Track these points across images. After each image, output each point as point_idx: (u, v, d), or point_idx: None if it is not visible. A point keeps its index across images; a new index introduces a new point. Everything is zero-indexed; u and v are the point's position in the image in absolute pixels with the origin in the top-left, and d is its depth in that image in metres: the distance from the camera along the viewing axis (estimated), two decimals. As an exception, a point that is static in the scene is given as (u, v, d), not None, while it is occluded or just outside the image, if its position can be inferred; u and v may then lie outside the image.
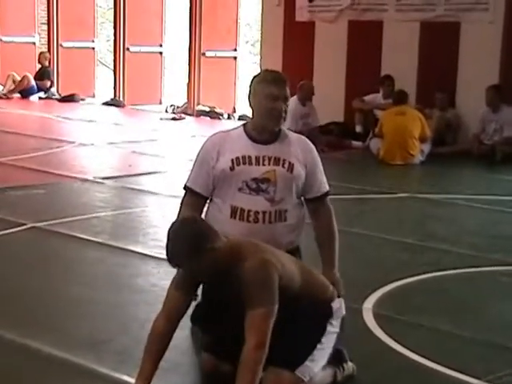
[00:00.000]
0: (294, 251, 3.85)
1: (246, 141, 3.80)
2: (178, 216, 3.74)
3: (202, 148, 3.90)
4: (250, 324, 3.06)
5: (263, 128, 3.79)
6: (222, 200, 3.80)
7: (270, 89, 3.71)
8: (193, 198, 3.85)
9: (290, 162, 3.78)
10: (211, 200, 3.91)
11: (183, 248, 3.12)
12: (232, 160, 3.76)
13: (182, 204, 3.89)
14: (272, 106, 3.71)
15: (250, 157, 3.77)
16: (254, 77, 3.86)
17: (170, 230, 3.20)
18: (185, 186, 3.91)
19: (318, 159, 3.92)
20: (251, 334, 3.04)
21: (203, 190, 3.84)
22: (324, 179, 3.93)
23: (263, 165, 3.76)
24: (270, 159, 3.76)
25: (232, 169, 3.75)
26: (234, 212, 3.77)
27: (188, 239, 3.12)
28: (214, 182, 3.82)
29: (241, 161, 3.76)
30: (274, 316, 3.08)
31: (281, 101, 3.72)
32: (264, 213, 3.75)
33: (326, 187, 3.93)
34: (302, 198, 3.91)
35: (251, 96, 3.80)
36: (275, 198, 3.76)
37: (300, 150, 3.84)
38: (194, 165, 3.91)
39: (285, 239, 3.81)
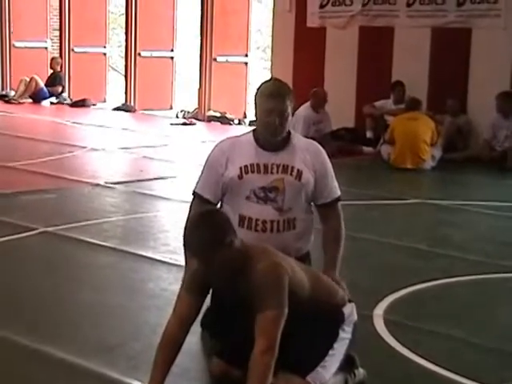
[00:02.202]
0: (304, 257, 3.85)
1: (255, 148, 3.80)
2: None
3: (210, 154, 3.91)
4: (260, 327, 3.05)
5: (264, 138, 3.80)
6: (231, 208, 3.79)
7: (266, 103, 3.72)
8: (201, 205, 3.83)
9: (298, 170, 3.77)
10: (220, 207, 3.91)
11: (204, 236, 3.09)
12: (240, 168, 3.76)
13: (190, 210, 3.88)
14: (266, 120, 3.72)
15: (258, 165, 3.76)
16: (259, 87, 3.86)
17: (191, 217, 3.18)
18: (193, 191, 3.91)
19: (329, 164, 3.91)
20: (260, 337, 3.04)
21: (212, 196, 3.84)
22: (335, 184, 3.91)
23: (271, 173, 3.75)
24: (278, 167, 3.76)
25: (240, 177, 3.75)
26: (242, 221, 3.76)
27: (211, 228, 3.11)
28: (223, 189, 3.82)
29: (249, 169, 3.76)
30: (283, 319, 3.07)
31: (275, 115, 3.70)
32: (272, 222, 3.75)
33: (337, 192, 3.91)
34: (312, 203, 3.91)
35: (254, 107, 3.84)
36: (283, 207, 3.75)
37: (309, 155, 3.83)
38: (202, 171, 3.91)
39: (293, 246, 3.80)
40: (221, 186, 3.81)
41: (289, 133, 3.84)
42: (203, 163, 3.95)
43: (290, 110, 3.78)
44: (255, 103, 3.82)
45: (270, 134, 3.76)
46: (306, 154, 3.82)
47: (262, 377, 3.01)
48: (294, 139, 3.85)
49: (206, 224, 3.13)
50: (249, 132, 3.92)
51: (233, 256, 3.13)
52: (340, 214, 3.91)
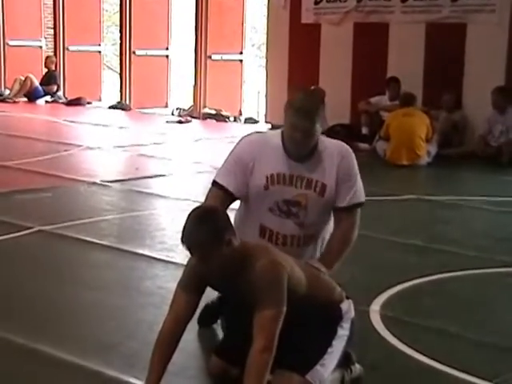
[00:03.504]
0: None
1: (283, 155, 3.69)
2: None
3: (238, 147, 3.78)
4: (258, 326, 3.05)
5: (290, 148, 3.70)
6: (252, 215, 3.71)
7: (293, 117, 3.61)
8: (219, 194, 3.69)
9: (322, 184, 3.68)
10: (241, 208, 3.84)
11: (202, 233, 3.08)
12: (267, 177, 3.67)
13: (206, 199, 3.74)
14: (291, 134, 3.63)
15: (284, 175, 3.67)
16: (289, 98, 3.77)
17: (191, 213, 3.17)
18: (214, 181, 3.76)
19: (355, 168, 3.77)
20: (259, 335, 3.04)
21: (233, 188, 3.70)
22: (358, 189, 3.77)
23: (295, 186, 3.67)
24: (302, 180, 3.68)
25: (266, 188, 3.68)
26: (263, 232, 3.72)
27: (210, 225, 3.09)
28: (248, 191, 3.71)
29: (275, 179, 3.67)
30: (282, 318, 3.07)
31: (299, 131, 3.60)
32: (293, 237, 3.72)
33: (360, 198, 3.78)
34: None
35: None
36: (305, 222, 3.70)
37: (335, 162, 3.71)
38: (226, 161, 3.78)
39: (312, 256, 3.78)
40: (247, 184, 3.70)
41: (316, 141, 3.71)
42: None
43: (317, 127, 3.64)
44: (284, 114, 3.70)
45: (293, 147, 3.66)
46: (332, 159, 3.71)
47: (260, 375, 3.01)
48: (321, 146, 3.72)
49: (205, 222, 3.11)
50: (277, 134, 3.79)
51: (231, 255, 3.12)
52: (356, 221, 3.79)
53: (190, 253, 3.16)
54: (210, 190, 3.77)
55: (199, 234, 3.09)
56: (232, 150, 3.82)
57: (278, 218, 3.70)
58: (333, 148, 3.78)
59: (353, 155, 3.81)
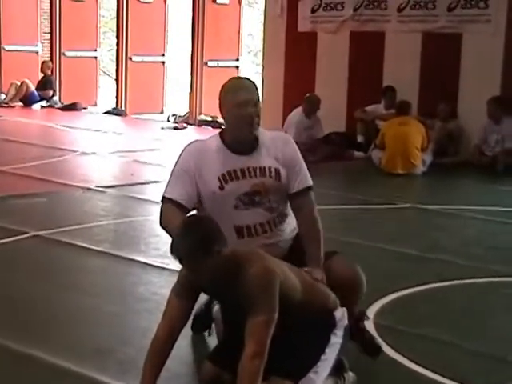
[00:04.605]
0: (297, 238, 3.81)
1: (228, 153, 3.68)
2: (164, 226, 3.61)
3: (180, 160, 3.74)
4: (250, 332, 3.06)
5: (239, 138, 3.67)
6: (221, 221, 3.46)
7: (238, 96, 3.61)
8: (172, 208, 3.63)
9: (275, 169, 3.69)
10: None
11: (189, 242, 3.09)
12: (219, 178, 3.65)
13: (161, 216, 3.66)
14: (242, 112, 3.60)
15: (235, 171, 3.65)
16: (222, 87, 3.73)
17: (179, 225, 3.17)
18: (162, 197, 3.71)
19: (298, 153, 3.79)
20: (250, 342, 3.05)
21: (186, 201, 3.65)
22: (306, 173, 3.78)
23: (250, 177, 3.66)
24: (255, 170, 3.67)
25: (222, 188, 3.64)
26: (240, 232, 3.67)
27: (196, 235, 3.10)
28: (202, 200, 3.67)
29: (227, 177, 3.65)
30: (273, 324, 3.07)
31: (251, 106, 3.61)
32: (269, 222, 3.71)
33: (309, 181, 3.78)
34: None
35: (222, 107, 3.70)
36: (272, 205, 3.71)
37: (278, 148, 3.73)
38: (171, 176, 3.74)
39: (290, 235, 3.79)
40: (197, 194, 3.66)
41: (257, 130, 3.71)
42: (171, 170, 3.76)
43: (260, 103, 3.70)
44: (222, 103, 3.68)
45: (248, 127, 3.62)
46: (276, 148, 3.72)
47: (251, 380, 3.02)
48: (263, 136, 3.73)
49: (191, 232, 3.12)
50: (214, 136, 3.78)
51: (221, 264, 3.13)
52: (313, 203, 3.77)
53: (181, 263, 3.17)
54: (162, 207, 3.70)
55: (186, 245, 3.10)
56: (174, 164, 3.76)
57: (246, 212, 3.67)
58: (274, 136, 3.81)
59: (293, 141, 3.84)
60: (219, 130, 3.83)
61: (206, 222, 3.23)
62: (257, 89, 3.73)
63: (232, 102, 3.63)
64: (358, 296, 3.78)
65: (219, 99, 3.72)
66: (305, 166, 3.79)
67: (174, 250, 3.13)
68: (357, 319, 3.77)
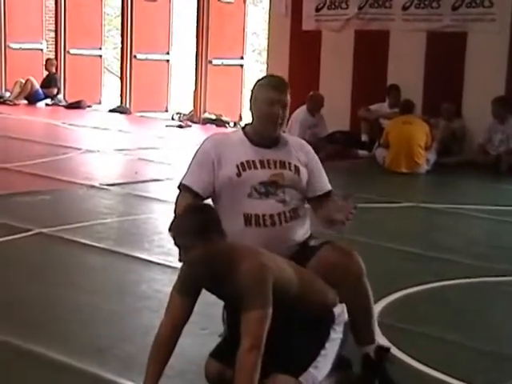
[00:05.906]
0: (309, 239, 3.81)
1: (249, 145, 3.76)
2: (176, 214, 3.61)
3: (200, 148, 3.82)
4: (245, 327, 3.07)
5: (262, 133, 3.75)
6: (233, 209, 3.65)
7: (269, 93, 3.69)
8: (186, 196, 3.70)
9: (295, 165, 3.74)
10: (218, 209, 3.83)
11: (192, 220, 3.13)
12: (237, 166, 3.70)
13: (176, 203, 3.73)
14: (269, 110, 3.68)
15: (254, 161, 3.72)
16: (257, 81, 3.83)
17: (184, 207, 3.26)
18: (180, 184, 3.77)
19: (318, 160, 3.89)
20: (246, 336, 3.06)
21: (201, 190, 3.72)
22: (326, 180, 3.87)
23: (269, 168, 3.71)
24: (275, 162, 3.73)
25: (239, 175, 3.69)
26: (248, 220, 3.67)
27: (201, 216, 3.16)
28: (217, 188, 3.73)
29: (246, 166, 3.71)
30: (268, 318, 3.08)
31: (279, 106, 3.68)
32: (279, 214, 3.70)
33: (329, 187, 3.87)
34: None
35: (252, 100, 3.79)
36: (286, 198, 3.71)
37: (300, 152, 3.82)
38: (190, 164, 3.81)
39: (300, 233, 3.77)
40: (213, 182, 3.73)
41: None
42: (191, 158, 3.85)
43: (289, 104, 3.76)
44: (254, 96, 3.76)
45: (272, 125, 3.70)
46: (298, 151, 3.81)
47: (248, 375, 3.02)
48: (284, 137, 3.83)
49: (197, 212, 3.19)
50: (237, 131, 3.89)
51: (215, 255, 3.14)
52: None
53: (175, 243, 3.17)
54: (178, 195, 3.77)
55: (184, 224, 3.14)
56: (195, 153, 3.85)
57: (259, 201, 3.68)
58: (296, 141, 3.92)
59: (311, 148, 3.92)
60: (242, 126, 3.88)
61: (209, 210, 3.29)
62: (288, 86, 3.78)
63: (262, 97, 3.72)
64: (357, 279, 3.65)
65: (251, 91, 3.81)
66: (325, 174, 3.87)
67: (174, 226, 3.18)
68: (379, 356, 3.61)
